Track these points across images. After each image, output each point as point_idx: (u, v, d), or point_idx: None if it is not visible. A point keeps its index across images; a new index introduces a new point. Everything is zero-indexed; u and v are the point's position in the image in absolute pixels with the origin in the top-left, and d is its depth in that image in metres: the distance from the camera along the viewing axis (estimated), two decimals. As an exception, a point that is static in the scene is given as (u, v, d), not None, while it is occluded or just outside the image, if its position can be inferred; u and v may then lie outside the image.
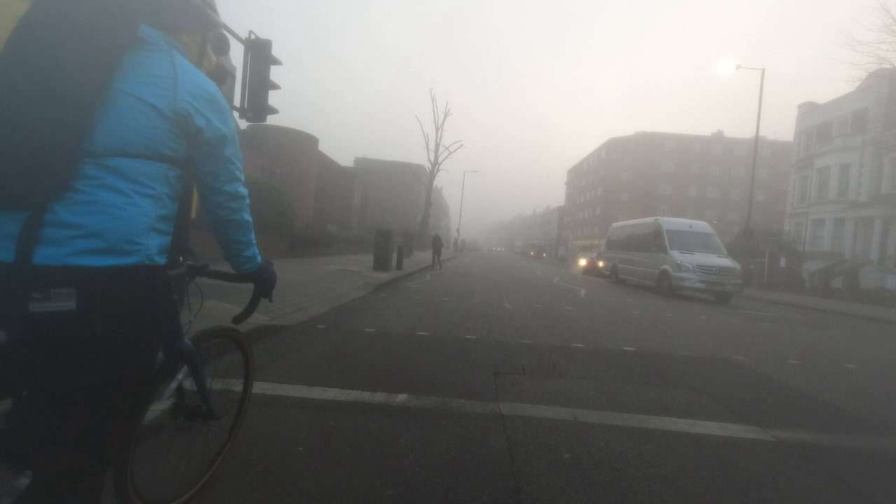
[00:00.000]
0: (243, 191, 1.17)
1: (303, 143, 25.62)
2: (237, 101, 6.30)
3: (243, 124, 7.79)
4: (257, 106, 6.28)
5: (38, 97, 0.83)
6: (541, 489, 1.90)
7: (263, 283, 1.33)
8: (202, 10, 1.11)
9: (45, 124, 0.82)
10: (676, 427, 2.72)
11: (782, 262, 23.12)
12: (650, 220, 15.85)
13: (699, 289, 12.44)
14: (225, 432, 1.81)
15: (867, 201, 23.79)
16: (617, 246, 18.02)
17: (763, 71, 19.21)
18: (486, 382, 3.31)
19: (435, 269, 16.21)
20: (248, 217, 1.21)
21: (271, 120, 7.05)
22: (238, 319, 1.40)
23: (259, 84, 6.24)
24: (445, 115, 32.77)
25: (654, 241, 14.39)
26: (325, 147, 28.88)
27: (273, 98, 6.51)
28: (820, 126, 28.65)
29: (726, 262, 12.86)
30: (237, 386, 1.89)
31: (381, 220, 36.06)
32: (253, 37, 6.29)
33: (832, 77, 55.30)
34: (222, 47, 1.45)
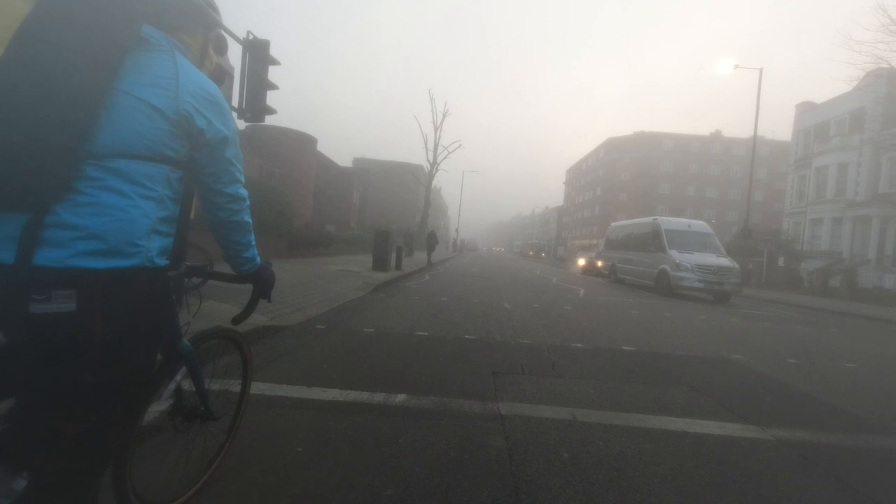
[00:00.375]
0: (243, 192, 1.18)
1: (301, 143, 25.60)
2: (235, 102, 6.30)
3: (241, 125, 7.78)
4: (256, 106, 6.27)
5: (39, 98, 0.83)
6: (540, 489, 1.90)
7: (262, 284, 1.33)
8: (203, 10, 1.11)
9: (47, 125, 0.82)
10: (675, 426, 2.72)
11: (780, 261, 23.18)
12: (649, 219, 15.87)
13: (698, 288, 12.46)
14: (223, 433, 1.81)
15: (865, 201, 23.86)
16: (616, 246, 18.04)
17: (761, 71, 19.26)
18: (485, 382, 3.31)
19: (429, 266, 16.21)
20: (248, 218, 1.21)
21: (270, 120, 7.05)
22: (237, 320, 1.40)
23: (257, 84, 6.24)
24: (444, 116, 32.82)
25: (652, 240, 14.41)
26: (323, 147, 28.88)
27: (271, 98, 6.51)
28: (818, 125, 28.73)
29: (725, 261, 12.88)
30: (236, 387, 1.89)
31: (380, 221, 36.06)
32: (251, 37, 6.29)
33: (831, 77, 55.44)
34: (221, 48, 1.45)
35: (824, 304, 14.32)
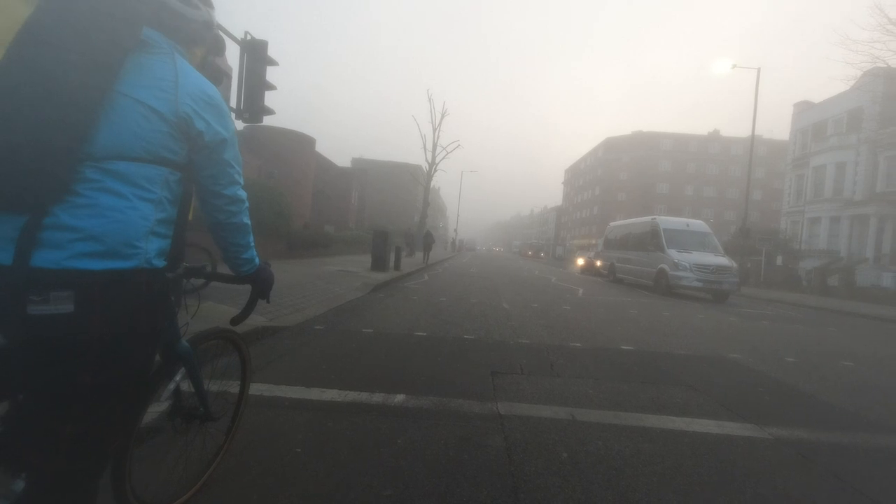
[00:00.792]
0: (242, 194, 1.18)
1: (300, 143, 25.58)
2: (233, 102, 6.30)
3: (240, 125, 7.78)
4: (254, 107, 6.27)
5: (39, 99, 0.83)
6: (539, 488, 1.90)
7: (261, 285, 1.33)
8: (208, 24, 1.13)
9: (46, 126, 0.82)
10: (674, 425, 2.73)
11: (779, 260, 23.24)
12: (647, 219, 15.89)
13: (696, 287, 12.48)
14: (222, 434, 1.81)
15: (863, 200, 23.93)
16: (614, 245, 18.07)
17: (758, 70, 19.29)
18: (484, 382, 3.31)
19: (427, 266, 16.21)
20: (246, 220, 1.21)
21: (268, 121, 7.04)
22: (236, 321, 1.40)
23: (255, 85, 6.23)
24: (443, 116, 32.78)
25: (651, 240, 14.43)
26: (322, 148, 28.86)
27: (269, 99, 6.50)
28: (815, 125, 28.80)
29: (723, 260, 12.91)
30: (234, 388, 1.89)
31: (379, 221, 36.04)
32: (249, 37, 6.28)
33: (829, 77, 55.69)
34: (218, 48, 1.46)
35: (822, 302, 14.36)
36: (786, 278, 21.56)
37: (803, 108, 30.51)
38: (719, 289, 12.39)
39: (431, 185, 34.51)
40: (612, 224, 19.69)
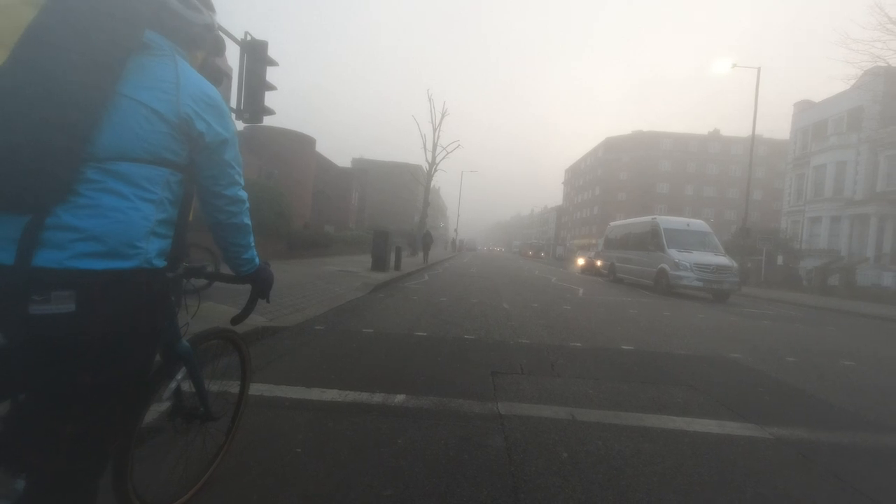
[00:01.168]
0: (243, 194, 1.18)
1: (300, 143, 25.59)
2: (234, 103, 6.30)
3: (240, 125, 7.78)
4: (254, 107, 6.27)
5: (42, 99, 0.83)
6: (539, 488, 1.90)
7: (261, 285, 1.34)
8: (210, 27, 1.14)
9: (49, 126, 0.83)
10: (674, 425, 2.73)
11: (779, 259, 23.22)
12: (647, 218, 15.89)
13: (696, 287, 12.48)
14: (222, 434, 1.81)
15: (863, 199, 23.92)
16: (614, 245, 18.06)
17: (759, 70, 19.28)
18: (484, 382, 3.31)
19: (426, 266, 16.21)
20: (247, 220, 1.22)
21: (268, 121, 7.04)
22: (236, 321, 1.41)
23: (255, 85, 6.24)
24: (443, 116, 32.74)
25: (651, 239, 14.43)
26: (322, 148, 28.87)
27: (270, 99, 6.51)
28: (816, 124, 28.79)
29: (723, 260, 12.90)
30: (235, 388, 1.89)
31: (379, 221, 36.05)
32: (249, 38, 6.29)
33: (830, 77, 55.59)
34: (219, 49, 1.46)
35: (823, 302, 14.35)
36: (786, 278, 21.55)
37: (803, 107, 30.50)
38: (720, 288, 12.38)
39: (431, 185, 34.50)
40: (613, 224, 19.69)
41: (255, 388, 2.71)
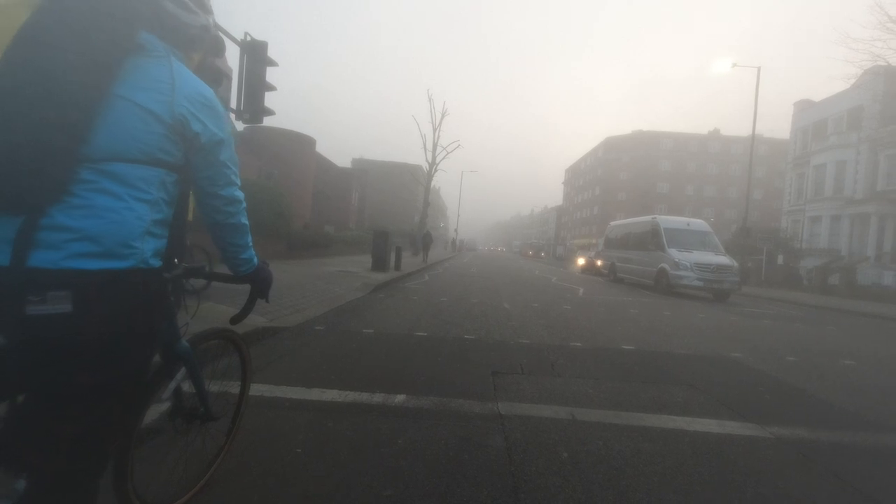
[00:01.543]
0: (239, 194, 1.18)
1: (300, 144, 25.60)
2: (234, 103, 6.30)
3: (240, 126, 7.78)
4: (254, 107, 6.27)
5: (38, 98, 0.84)
6: (539, 488, 1.90)
7: (260, 284, 1.34)
8: (206, 28, 1.14)
9: (45, 126, 0.83)
10: (675, 425, 2.73)
11: (780, 259, 23.21)
12: (647, 218, 15.88)
13: (697, 287, 12.47)
14: (223, 434, 1.81)
15: (863, 198, 23.90)
16: (615, 245, 18.06)
17: (758, 69, 19.28)
18: (484, 382, 3.31)
19: (426, 266, 16.22)
20: (244, 220, 1.22)
21: (268, 121, 7.05)
22: (235, 320, 1.41)
23: (255, 85, 6.24)
24: (443, 116, 32.74)
25: (651, 239, 14.43)
26: (322, 148, 28.87)
27: (270, 99, 6.51)
28: (816, 123, 28.78)
29: (724, 259, 12.90)
30: (235, 388, 1.89)
31: (379, 221, 36.04)
32: (249, 38, 6.29)
33: (830, 76, 55.61)
34: (218, 49, 1.46)
35: (823, 301, 14.34)
36: (786, 277, 21.54)
37: (803, 106, 30.49)
38: (720, 288, 12.38)
39: (432, 185, 34.50)
40: (613, 223, 19.68)
41: (256, 389, 2.70)
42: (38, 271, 0.83)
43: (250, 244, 1.27)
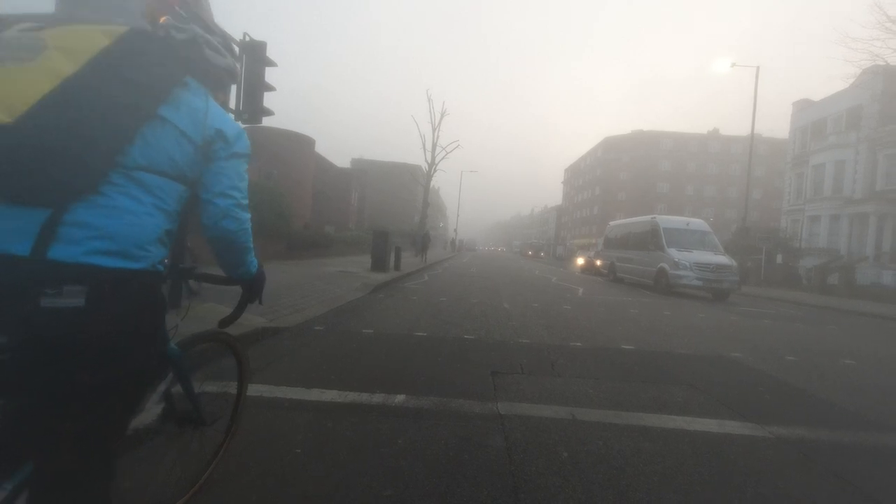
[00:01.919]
0: (245, 214, 1.21)
1: (300, 144, 25.58)
2: (233, 104, 6.29)
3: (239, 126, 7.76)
4: (253, 108, 6.26)
5: (94, 108, 0.92)
6: (539, 488, 1.90)
7: (253, 287, 1.33)
8: (231, 71, 1.31)
9: (92, 133, 0.91)
10: (675, 425, 2.72)
11: (779, 258, 23.21)
12: (647, 218, 15.88)
13: (696, 286, 12.47)
14: (220, 435, 1.79)
15: (862, 198, 23.91)
16: (614, 245, 18.06)
17: (757, 69, 19.28)
18: (484, 382, 3.31)
19: (426, 266, 16.21)
20: (249, 238, 1.23)
21: (267, 122, 7.04)
22: (225, 322, 1.39)
23: (254, 86, 6.23)
24: (442, 116, 32.75)
25: (651, 239, 14.43)
26: (321, 148, 28.86)
27: (269, 100, 6.50)
28: (815, 123, 28.79)
29: (723, 259, 12.90)
30: (233, 388, 1.88)
31: (379, 221, 36.02)
32: (248, 39, 6.28)
33: (829, 76, 55.62)
34: (233, 80, 1.50)
35: (823, 301, 14.35)
36: (786, 277, 21.55)
37: (803, 106, 30.50)
38: (719, 288, 12.38)
39: (431, 185, 34.50)
40: (612, 223, 19.68)
41: (255, 389, 2.70)
42: (56, 264, 0.86)
43: (252, 257, 1.28)
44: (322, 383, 3.04)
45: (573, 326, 6.05)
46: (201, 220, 1.14)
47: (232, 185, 1.15)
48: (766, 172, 55.75)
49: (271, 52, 6.40)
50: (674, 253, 12.97)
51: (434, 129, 32.49)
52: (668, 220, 14.75)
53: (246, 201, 1.20)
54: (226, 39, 1.30)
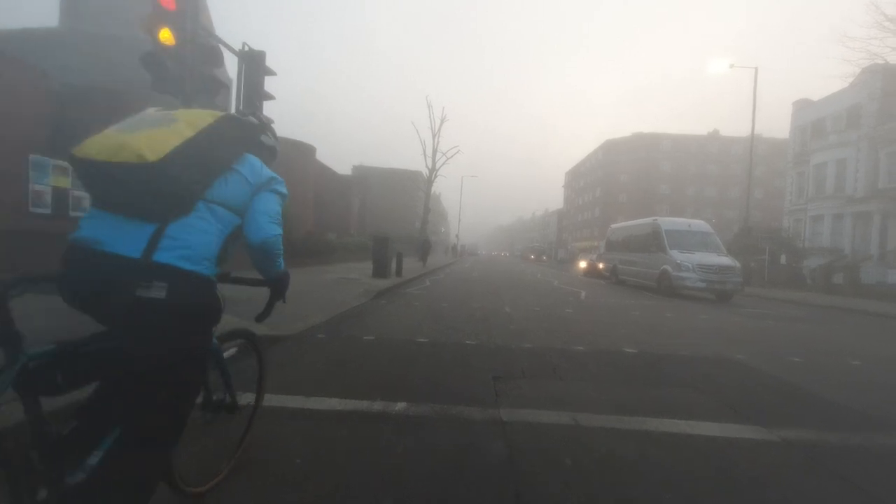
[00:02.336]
0: (278, 230, 1.53)
1: (300, 152, 25.65)
2: (232, 111, 6.32)
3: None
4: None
5: (199, 160, 1.31)
6: (541, 495, 1.88)
7: (279, 287, 1.64)
8: (273, 151, 1.79)
9: (193, 175, 1.28)
10: (678, 429, 2.70)
11: (782, 259, 23.10)
12: (648, 220, 15.85)
13: (699, 288, 12.42)
14: (242, 428, 2.05)
15: (864, 196, 23.82)
16: (616, 247, 18.02)
17: (756, 69, 19.32)
18: (485, 388, 3.29)
19: (427, 272, 16.19)
20: (280, 248, 1.53)
21: (267, 130, 7.05)
22: (259, 318, 1.66)
23: (253, 95, 6.27)
24: (442, 121, 32.88)
25: (653, 241, 14.39)
26: (322, 155, 28.94)
27: (269, 108, 6.54)
28: (815, 122, 28.77)
29: (726, 260, 12.85)
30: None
31: (381, 227, 36.06)
32: (247, 48, 6.33)
33: (828, 75, 55.72)
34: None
35: (827, 301, 14.25)
36: (790, 277, 21.42)
37: (802, 105, 30.49)
38: (723, 289, 12.32)
39: (432, 191, 34.56)
40: (614, 226, 19.65)
41: (256, 398, 2.69)
42: (157, 265, 1.17)
43: (281, 260, 1.58)
44: (323, 391, 3.02)
45: (575, 330, 6.03)
46: (245, 233, 1.45)
47: (271, 207, 1.50)
48: (766, 172, 55.64)
49: (271, 61, 6.44)
50: (676, 255, 12.93)
51: (434, 135, 32.62)
52: (669, 222, 14.72)
53: (280, 220, 1.54)
54: (271, 129, 1.82)
